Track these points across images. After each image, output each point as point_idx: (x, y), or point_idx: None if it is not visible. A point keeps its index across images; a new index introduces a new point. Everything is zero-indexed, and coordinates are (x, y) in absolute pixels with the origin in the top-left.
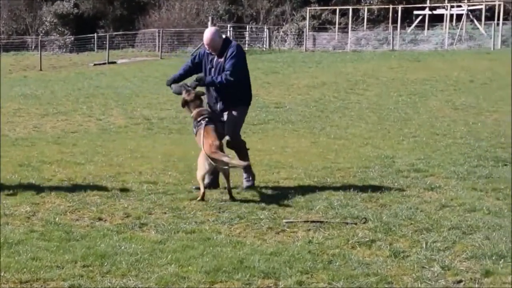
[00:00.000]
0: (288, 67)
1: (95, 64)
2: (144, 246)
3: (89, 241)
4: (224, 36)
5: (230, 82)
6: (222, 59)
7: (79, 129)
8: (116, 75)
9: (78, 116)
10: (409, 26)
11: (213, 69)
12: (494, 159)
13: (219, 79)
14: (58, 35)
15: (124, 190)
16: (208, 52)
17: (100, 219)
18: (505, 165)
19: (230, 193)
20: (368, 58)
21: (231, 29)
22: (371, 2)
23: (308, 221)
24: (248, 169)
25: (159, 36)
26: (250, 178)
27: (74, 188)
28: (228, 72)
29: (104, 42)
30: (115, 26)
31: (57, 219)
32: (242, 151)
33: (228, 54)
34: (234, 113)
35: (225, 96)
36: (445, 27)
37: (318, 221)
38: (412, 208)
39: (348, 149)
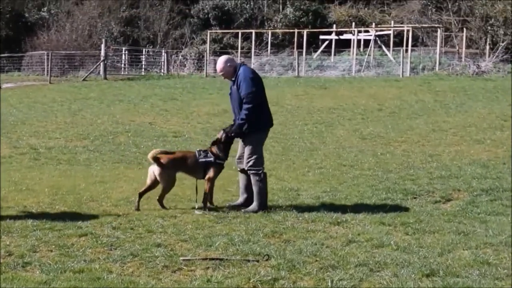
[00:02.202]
0: (188, 93)
1: None
2: (27, 287)
3: None
4: (238, 62)
5: (249, 110)
6: (235, 87)
7: None
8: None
9: None
10: (315, 51)
11: (232, 95)
12: (403, 192)
13: (242, 114)
14: None
15: (6, 226)
16: None
17: None
18: (414, 198)
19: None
20: (272, 84)
21: (126, 52)
22: (275, 25)
23: (207, 259)
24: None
25: (47, 59)
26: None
27: None
28: (244, 104)
29: None
30: None
31: None
32: (255, 182)
33: (238, 81)
34: (248, 139)
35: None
36: (353, 53)
37: (217, 259)
38: (317, 243)
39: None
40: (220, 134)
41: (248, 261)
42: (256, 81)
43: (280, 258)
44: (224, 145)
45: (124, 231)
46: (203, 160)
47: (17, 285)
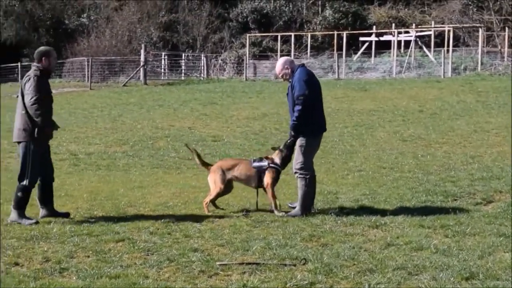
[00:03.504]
0: (227, 98)
1: (18, 96)
2: None
3: None
4: (297, 64)
5: (300, 112)
6: (290, 88)
7: None
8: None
9: None
10: (355, 53)
11: (288, 97)
12: (443, 194)
13: (293, 117)
14: None
15: (44, 232)
16: None
17: (16, 264)
18: (455, 200)
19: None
20: None
21: (166, 57)
22: (315, 28)
23: (243, 263)
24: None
25: (88, 65)
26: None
27: None
28: (295, 106)
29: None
30: None
31: None
32: (301, 186)
33: (293, 83)
34: (298, 142)
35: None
36: (393, 54)
37: (254, 263)
38: (355, 247)
39: (289, 185)
40: (276, 154)
41: (285, 265)
42: (309, 83)
43: (317, 262)
44: (283, 155)
45: (162, 236)
46: (258, 164)
47: None
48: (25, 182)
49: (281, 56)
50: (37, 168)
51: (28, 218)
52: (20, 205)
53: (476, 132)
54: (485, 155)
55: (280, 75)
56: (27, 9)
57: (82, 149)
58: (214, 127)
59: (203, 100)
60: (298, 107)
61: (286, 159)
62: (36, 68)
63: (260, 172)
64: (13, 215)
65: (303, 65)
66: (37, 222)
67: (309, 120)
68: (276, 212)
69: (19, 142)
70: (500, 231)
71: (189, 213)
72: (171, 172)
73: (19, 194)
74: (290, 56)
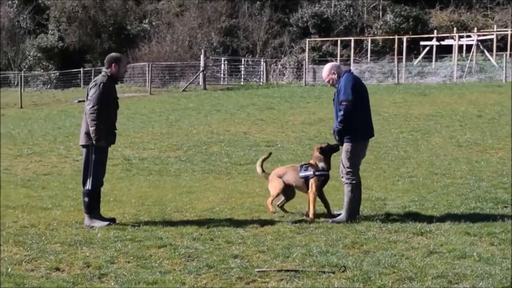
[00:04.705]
0: (285, 103)
1: (79, 101)
2: None
3: None
4: (344, 70)
5: (343, 117)
6: (336, 93)
7: (52, 171)
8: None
9: (53, 157)
10: (416, 57)
11: (334, 102)
12: (493, 201)
13: (336, 123)
14: (42, 70)
15: (88, 237)
16: None
17: (57, 269)
18: (505, 207)
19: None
20: (371, 92)
21: (226, 62)
22: (375, 32)
23: (282, 270)
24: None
25: (148, 70)
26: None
27: (35, 235)
28: (339, 112)
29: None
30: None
31: (10, 269)
32: (347, 192)
33: (339, 88)
34: (344, 148)
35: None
36: (454, 59)
37: (293, 270)
38: (397, 254)
39: (337, 191)
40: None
41: (324, 272)
42: (355, 89)
43: (356, 270)
44: (324, 156)
45: (204, 242)
46: (303, 174)
47: None
48: (88, 187)
49: (340, 61)
50: (100, 172)
51: (102, 220)
52: (90, 209)
53: None
54: None
55: (327, 80)
56: (90, 15)
57: (136, 154)
58: (269, 132)
59: (260, 105)
60: (341, 112)
61: (329, 161)
62: (104, 73)
63: (307, 179)
64: (85, 220)
65: (349, 70)
66: (110, 224)
67: (355, 125)
68: (308, 218)
69: (83, 146)
70: None
71: (234, 219)
72: (221, 178)
73: (85, 199)
74: (350, 61)
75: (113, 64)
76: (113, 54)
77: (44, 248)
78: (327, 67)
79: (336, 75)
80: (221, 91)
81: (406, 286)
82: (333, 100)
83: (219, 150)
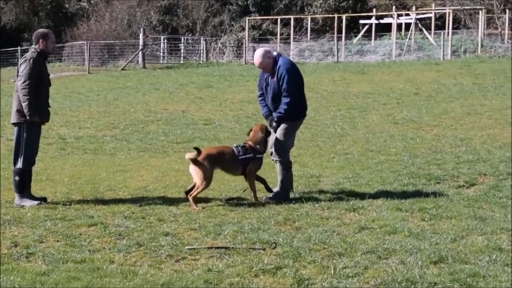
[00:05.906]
0: (224, 81)
1: (15, 80)
2: (25, 278)
3: None
4: (275, 54)
5: (290, 104)
6: (275, 79)
7: None
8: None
9: None
10: (355, 36)
11: (269, 87)
12: (426, 177)
13: (281, 109)
14: None
15: (18, 216)
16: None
17: None
18: (438, 183)
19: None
20: (310, 70)
21: (165, 41)
22: (315, 11)
23: (212, 247)
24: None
25: (87, 49)
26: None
27: None
28: (284, 98)
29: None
30: None
31: None
32: (280, 170)
33: (279, 74)
34: (281, 127)
35: (275, 109)
36: (393, 37)
37: (223, 247)
38: (328, 231)
39: (273, 168)
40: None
41: (254, 249)
42: (297, 74)
43: (287, 246)
44: (264, 137)
45: (135, 220)
46: (243, 157)
47: (16, 276)
48: (19, 165)
49: (280, 39)
50: (32, 150)
51: (32, 199)
52: (20, 188)
53: (469, 115)
54: (475, 138)
55: (263, 66)
56: None
57: (72, 133)
58: (207, 110)
59: (199, 84)
60: (287, 99)
61: (266, 142)
62: (33, 50)
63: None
64: (16, 199)
65: (281, 54)
66: (40, 203)
67: (296, 105)
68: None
69: (14, 124)
70: (477, 214)
71: (167, 197)
72: (157, 156)
73: (16, 178)
74: (290, 39)
75: (40, 40)
76: (40, 30)
77: None
78: (260, 53)
79: (272, 59)
80: (161, 69)
81: (336, 261)
82: (261, 84)
83: (156, 129)
